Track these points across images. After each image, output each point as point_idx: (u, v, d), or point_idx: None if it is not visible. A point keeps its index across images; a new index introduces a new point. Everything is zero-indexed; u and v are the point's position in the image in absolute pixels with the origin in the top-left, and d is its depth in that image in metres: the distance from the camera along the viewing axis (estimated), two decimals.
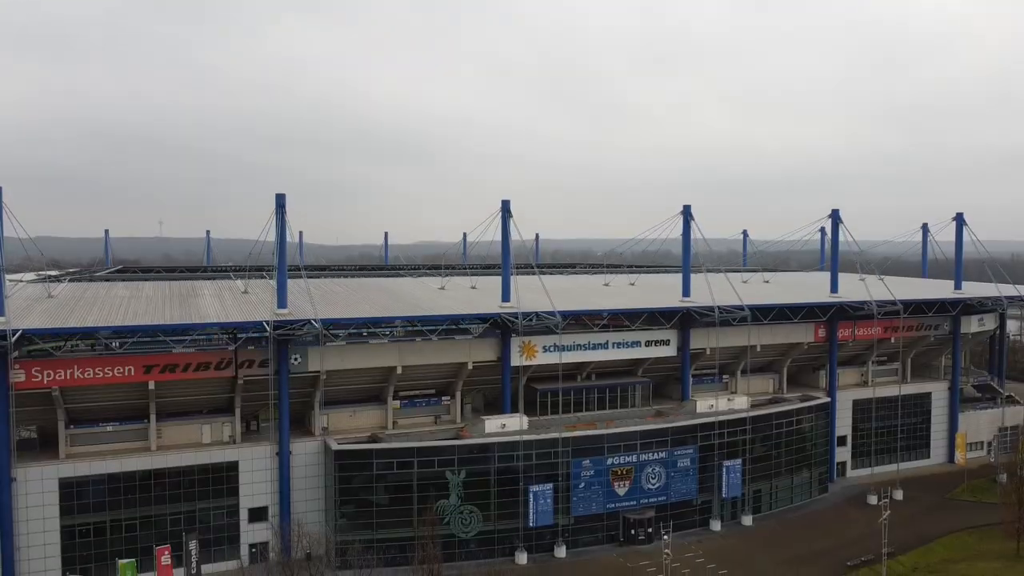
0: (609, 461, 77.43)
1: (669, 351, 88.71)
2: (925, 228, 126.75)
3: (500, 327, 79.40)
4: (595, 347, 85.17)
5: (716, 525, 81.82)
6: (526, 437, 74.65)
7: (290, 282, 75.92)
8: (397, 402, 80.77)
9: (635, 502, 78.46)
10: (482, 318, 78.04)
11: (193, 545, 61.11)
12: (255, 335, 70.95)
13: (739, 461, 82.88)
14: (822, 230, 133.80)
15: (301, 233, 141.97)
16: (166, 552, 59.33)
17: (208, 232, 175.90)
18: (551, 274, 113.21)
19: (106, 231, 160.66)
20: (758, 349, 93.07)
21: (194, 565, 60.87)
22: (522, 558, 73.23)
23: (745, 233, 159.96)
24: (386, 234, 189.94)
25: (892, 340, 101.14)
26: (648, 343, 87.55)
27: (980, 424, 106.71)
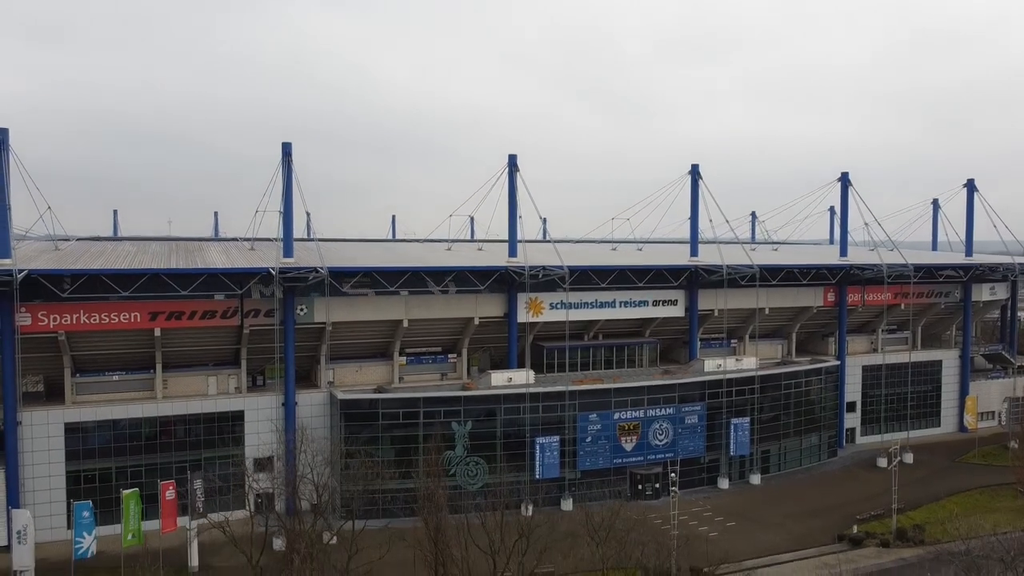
0: (616, 416, 77.02)
1: (677, 311, 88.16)
2: (936, 203, 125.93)
3: (507, 282, 79.08)
4: (602, 305, 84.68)
5: (724, 483, 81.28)
6: (532, 389, 74.31)
7: (297, 244, 75.67)
8: (403, 358, 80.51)
9: (642, 458, 78.02)
10: (489, 270, 77.59)
11: (198, 484, 60.81)
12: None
13: (747, 420, 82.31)
14: (831, 209, 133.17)
15: (309, 214, 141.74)
16: (171, 487, 59.07)
17: (216, 213, 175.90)
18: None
19: (115, 211, 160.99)
20: (766, 312, 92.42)
21: (199, 504, 60.59)
22: (528, 511, 72.69)
23: (753, 215, 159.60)
24: (393, 217, 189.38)
25: (902, 307, 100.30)
26: (656, 303, 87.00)
27: (991, 393, 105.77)
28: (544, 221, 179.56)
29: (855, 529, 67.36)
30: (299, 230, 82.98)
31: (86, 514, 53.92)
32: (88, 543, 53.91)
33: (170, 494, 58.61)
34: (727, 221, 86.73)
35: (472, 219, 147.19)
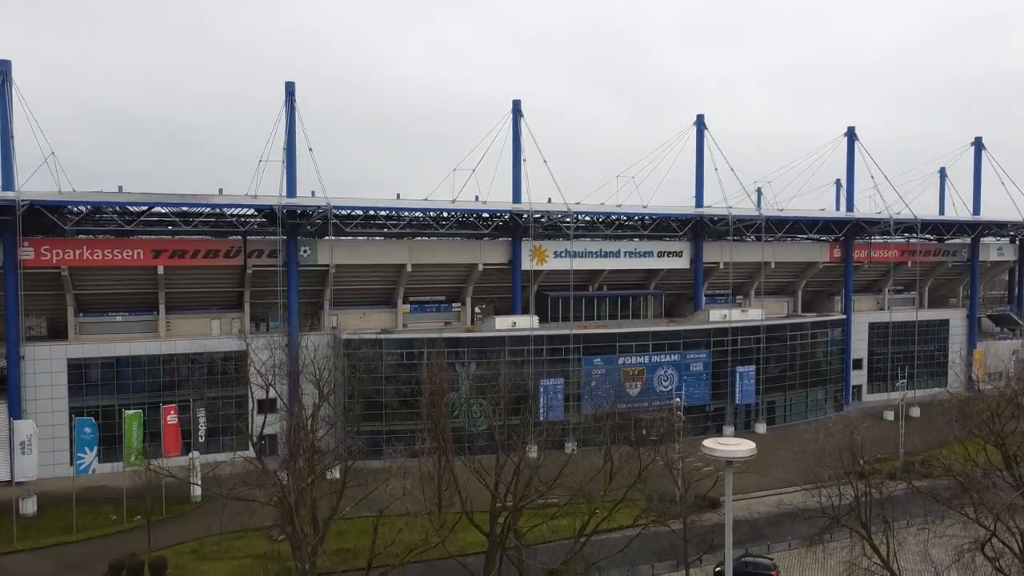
0: (621, 361, 76.63)
1: (682, 263, 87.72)
2: (943, 172, 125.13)
3: (511, 229, 78.76)
4: (607, 255, 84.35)
5: (729, 431, 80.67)
6: (536, 332, 73.94)
7: (302, 198, 75.35)
8: (407, 306, 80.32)
9: (647, 403, 77.54)
10: (493, 212, 77.34)
11: (201, 413, 60.54)
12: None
13: (752, 368, 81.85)
14: (837, 182, 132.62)
15: (313, 193, 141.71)
16: (172, 411, 58.79)
17: (220, 190, 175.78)
18: None
19: (120, 187, 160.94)
20: (772, 267, 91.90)
21: (201, 434, 60.33)
22: (532, 452, 72.25)
23: (759, 191, 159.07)
24: (398, 195, 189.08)
25: (909, 265, 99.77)
26: (661, 254, 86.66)
27: (999, 354, 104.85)
28: (549, 201, 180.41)
29: (862, 463, 66.73)
30: (304, 189, 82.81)
31: (88, 430, 53.64)
32: (90, 459, 53.64)
33: (172, 418, 58.30)
34: (732, 170, 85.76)
35: (477, 198, 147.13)
